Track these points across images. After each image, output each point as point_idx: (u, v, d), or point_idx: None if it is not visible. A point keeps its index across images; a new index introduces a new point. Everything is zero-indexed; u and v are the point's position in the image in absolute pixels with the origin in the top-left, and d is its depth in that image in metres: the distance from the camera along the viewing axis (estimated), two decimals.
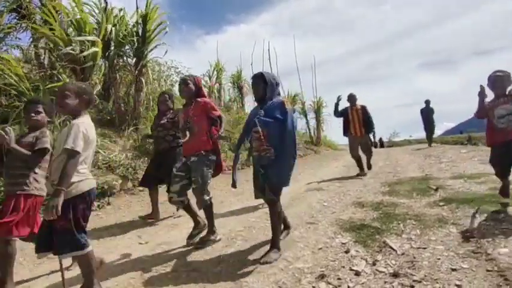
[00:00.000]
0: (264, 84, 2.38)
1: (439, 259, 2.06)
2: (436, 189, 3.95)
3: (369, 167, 6.22)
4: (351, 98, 6.00)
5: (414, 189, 4.15)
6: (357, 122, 5.82)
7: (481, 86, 2.87)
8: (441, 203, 3.32)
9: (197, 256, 2.45)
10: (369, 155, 6.12)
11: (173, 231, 3.20)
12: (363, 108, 5.89)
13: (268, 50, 13.99)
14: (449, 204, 3.21)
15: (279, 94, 2.50)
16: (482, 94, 2.89)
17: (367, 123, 5.84)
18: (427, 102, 10.46)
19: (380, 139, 22.66)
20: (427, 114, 10.39)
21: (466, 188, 3.91)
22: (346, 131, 5.99)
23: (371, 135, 6.13)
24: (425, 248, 2.26)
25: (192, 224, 2.82)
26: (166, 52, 6.35)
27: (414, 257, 2.13)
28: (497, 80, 2.86)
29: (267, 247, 2.37)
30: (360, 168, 5.97)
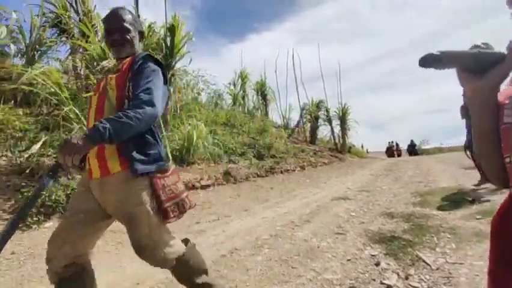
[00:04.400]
0: None
1: (477, 275, 1.95)
2: (472, 201, 3.75)
3: None
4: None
5: (447, 200, 3.96)
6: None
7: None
8: (478, 216, 3.14)
9: (224, 264, 2.47)
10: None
11: (200, 237, 3.23)
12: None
13: (293, 56, 13.96)
14: (488, 218, 3.03)
15: None
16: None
17: None
18: None
19: (412, 142, 19.40)
20: None
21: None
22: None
23: None
24: (461, 264, 2.15)
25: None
26: (190, 61, 6.84)
27: (450, 273, 2.03)
28: None
29: (295, 256, 2.35)
30: None
